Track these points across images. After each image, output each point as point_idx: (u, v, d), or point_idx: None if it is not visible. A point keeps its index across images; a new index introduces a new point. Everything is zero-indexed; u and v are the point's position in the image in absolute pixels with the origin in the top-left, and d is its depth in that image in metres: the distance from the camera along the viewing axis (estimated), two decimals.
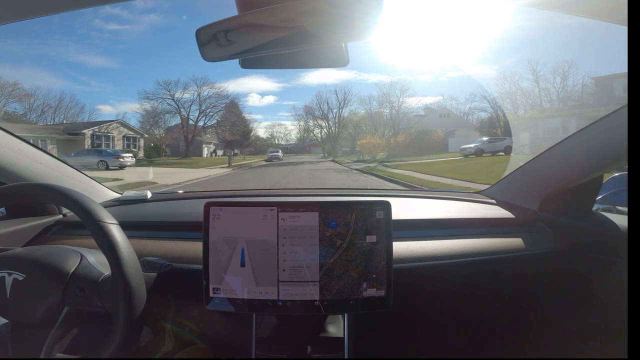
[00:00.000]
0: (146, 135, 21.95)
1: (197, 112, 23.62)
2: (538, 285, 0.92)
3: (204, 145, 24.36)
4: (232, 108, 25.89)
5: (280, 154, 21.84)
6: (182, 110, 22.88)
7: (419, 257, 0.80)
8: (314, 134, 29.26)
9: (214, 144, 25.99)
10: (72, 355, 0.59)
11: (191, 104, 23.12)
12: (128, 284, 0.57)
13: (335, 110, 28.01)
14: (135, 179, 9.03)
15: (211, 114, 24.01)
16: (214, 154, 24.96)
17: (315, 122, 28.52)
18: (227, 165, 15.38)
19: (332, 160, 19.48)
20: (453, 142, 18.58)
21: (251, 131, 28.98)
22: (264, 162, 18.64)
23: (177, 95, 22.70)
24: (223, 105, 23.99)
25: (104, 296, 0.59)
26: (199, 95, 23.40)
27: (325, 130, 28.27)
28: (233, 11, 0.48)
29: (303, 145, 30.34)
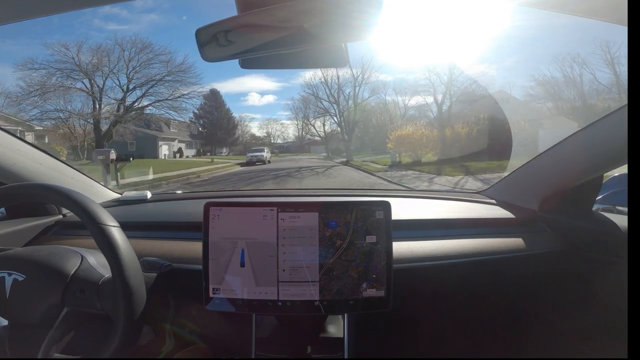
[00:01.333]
0: (39, 127, 13.85)
1: (123, 88, 14.78)
2: (538, 286, 0.92)
3: (160, 143, 17.57)
4: (212, 97, 21.17)
5: (265, 154, 15.65)
6: (94, 85, 14.22)
7: (418, 257, 0.80)
8: (315, 129, 21.77)
9: (179, 141, 19.51)
10: (71, 356, 0.59)
11: (107, 76, 14.02)
12: (129, 287, 0.57)
13: (349, 91, 18.57)
14: None
15: (142, 90, 14.78)
16: (177, 155, 18.68)
17: (318, 106, 19.69)
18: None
19: (348, 164, 13.14)
20: (544, 136, 11.14)
21: (237, 126, 23.50)
22: (238, 168, 13.17)
23: (90, 63, 13.99)
24: (165, 76, 15.41)
25: (104, 298, 0.59)
26: (125, 61, 14.31)
27: (335, 118, 19.28)
28: (233, 11, 0.48)
29: (301, 144, 24.46)
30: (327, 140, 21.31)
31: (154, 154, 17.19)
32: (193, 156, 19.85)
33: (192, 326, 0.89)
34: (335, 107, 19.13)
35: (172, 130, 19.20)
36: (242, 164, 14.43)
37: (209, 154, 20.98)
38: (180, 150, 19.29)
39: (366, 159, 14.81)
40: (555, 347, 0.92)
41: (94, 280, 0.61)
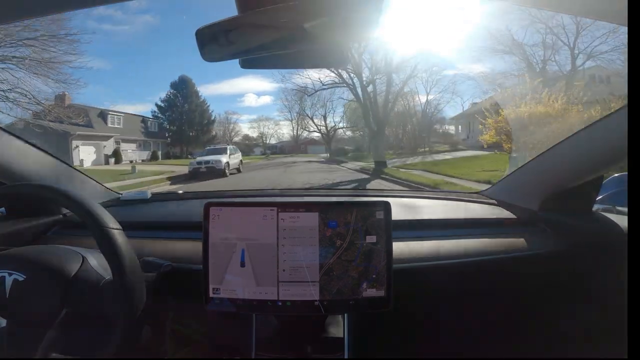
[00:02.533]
0: None
1: None
2: (538, 285, 0.92)
3: (77, 143, 11.85)
4: (181, 86, 16.09)
5: (223, 158, 9.39)
6: None
7: (419, 258, 0.80)
8: (313, 123, 16.87)
9: (123, 140, 13.79)
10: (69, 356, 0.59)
11: None
12: (130, 292, 0.57)
13: (368, 58, 11.58)
14: None
15: None
16: (112, 159, 13.04)
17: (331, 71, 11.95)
18: None
19: (384, 177, 7.61)
20: None
21: (213, 122, 18.19)
22: (164, 188, 7.62)
23: None
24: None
25: (104, 301, 0.59)
26: None
27: (354, 92, 11.95)
28: (233, 11, 0.48)
29: (297, 143, 20.06)
30: (330, 138, 16.49)
31: (66, 159, 8.45)
32: (143, 161, 14.52)
33: (192, 326, 0.89)
34: (357, 80, 11.27)
35: (112, 125, 13.42)
36: (174, 180, 8.58)
37: (189, 156, 15.39)
38: (116, 154, 13.08)
39: (396, 162, 8.93)
40: (555, 347, 0.92)
41: (94, 283, 0.61)
